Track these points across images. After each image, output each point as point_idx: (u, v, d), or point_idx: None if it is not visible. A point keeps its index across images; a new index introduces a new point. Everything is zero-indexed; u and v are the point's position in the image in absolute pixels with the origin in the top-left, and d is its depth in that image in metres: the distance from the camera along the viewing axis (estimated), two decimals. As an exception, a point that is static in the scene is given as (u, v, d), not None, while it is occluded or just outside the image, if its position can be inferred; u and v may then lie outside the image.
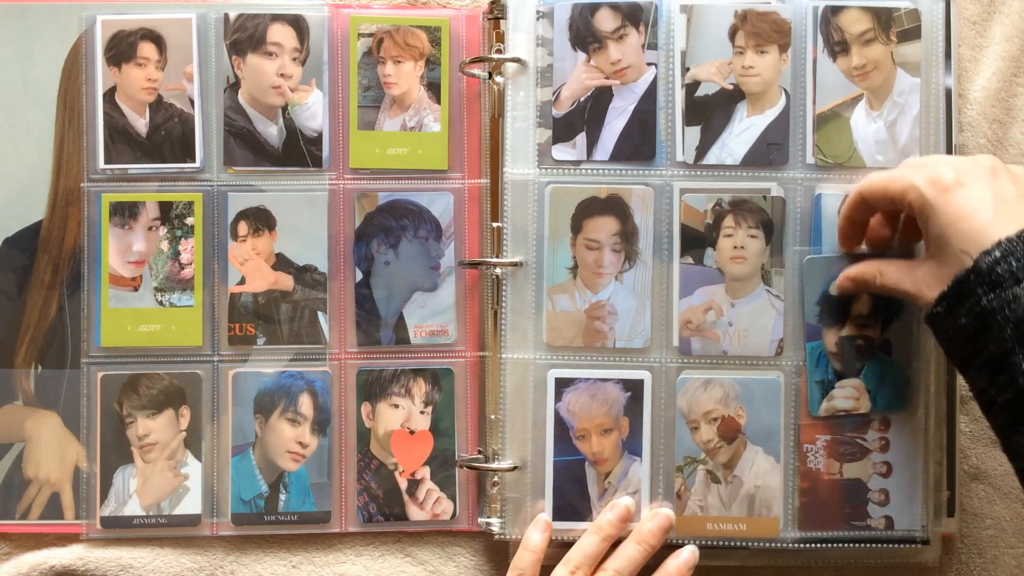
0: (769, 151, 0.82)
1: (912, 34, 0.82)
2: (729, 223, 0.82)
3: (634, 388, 0.82)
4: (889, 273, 0.74)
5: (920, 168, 0.71)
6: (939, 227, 0.68)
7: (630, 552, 0.78)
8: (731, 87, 0.82)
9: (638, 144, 0.82)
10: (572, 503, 0.81)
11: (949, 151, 0.82)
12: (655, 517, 0.80)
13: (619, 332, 0.82)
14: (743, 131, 0.82)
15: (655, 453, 0.82)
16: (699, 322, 0.82)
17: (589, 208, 0.82)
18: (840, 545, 0.81)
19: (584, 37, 0.82)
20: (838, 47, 0.82)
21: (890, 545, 0.81)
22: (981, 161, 0.69)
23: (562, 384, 0.82)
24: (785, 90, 0.82)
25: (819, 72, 0.82)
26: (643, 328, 0.82)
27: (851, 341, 0.81)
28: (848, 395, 0.81)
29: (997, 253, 0.64)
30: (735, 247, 0.81)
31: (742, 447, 0.81)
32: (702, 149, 0.82)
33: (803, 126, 0.82)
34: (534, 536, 0.79)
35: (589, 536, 0.79)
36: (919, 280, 0.71)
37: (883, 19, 0.82)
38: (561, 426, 0.82)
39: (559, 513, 0.81)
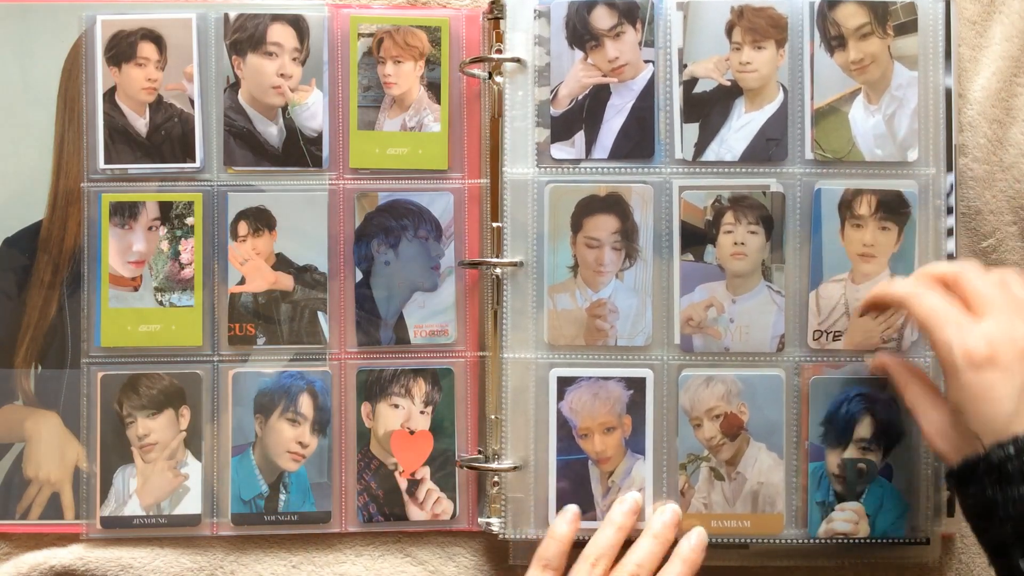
0: (768, 147, 0.82)
1: (909, 28, 0.82)
2: (729, 219, 0.82)
3: (636, 386, 0.82)
4: (914, 393, 0.75)
5: (960, 324, 0.68)
6: (961, 399, 0.67)
7: (647, 546, 0.78)
8: (729, 83, 0.82)
9: (637, 142, 0.82)
10: (576, 502, 0.81)
11: (949, 151, 0.82)
12: (663, 512, 0.80)
13: (620, 330, 0.82)
14: (741, 127, 0.82)
15: (658, 451, 0.82)
16: (700, 319, 0.82)
17: (589, 207, 0.82)
18: (841, 543, 0.81)
19: (581, 35, 0.82)
20: (835, 41, 0.82)
21: (891, 544, 0.81)
22: (1018, 340, 0.67)
23: (564, 383, 0.82)
24: (783, 85, 0.82)
25: (816, 67, 0.82)
26: (644, 326, 0.82)
27: (853, 464, 0.81)
28: (847, 518, 0.81)
29: (1011, 449, 0.64)
30: (735, 243, 0.81)
31: (745, 444, 0.81)
32: (701, 146, 0.82)
33: (801, 121, 0.82)
34: (561, 527, 0.79)
35: (604, 530, 0.79)
36: (933, 422, 0.72)
37: (879, 13, 0.82)
38: (563, 425, 0.82)
39: None
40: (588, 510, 0.81)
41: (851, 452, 0.81)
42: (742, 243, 0.82)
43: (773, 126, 0.82)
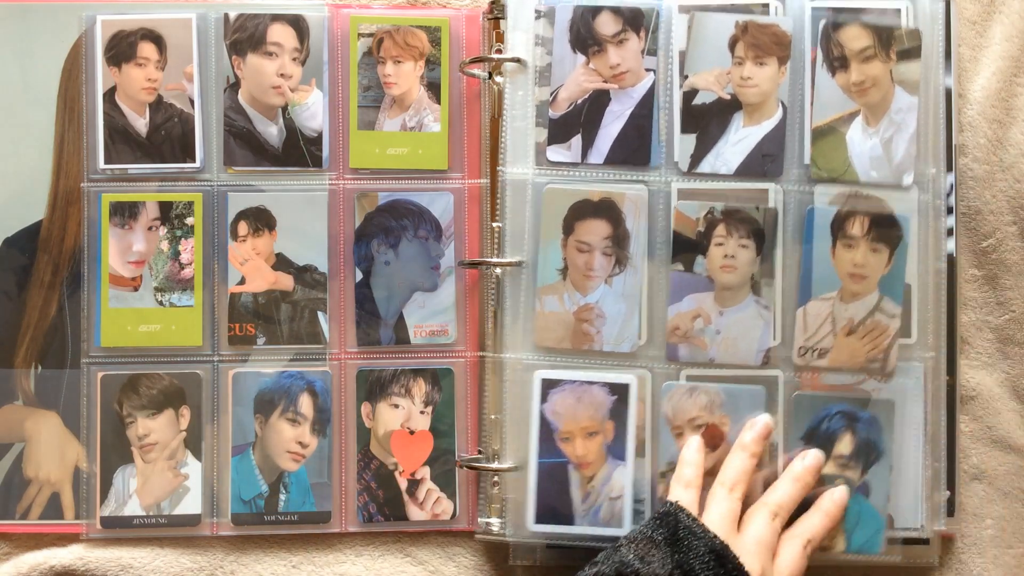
0: (764, 162, 0.82)
1: (912, 53, 0.81)
2: (721, 232, 0.81)
3: (620, 392, 0.81)
4: None
5: None
6: None
7: (787, 488, 0.78)
8: (728, 97, 0.82)
9: (633, 149, 0.82)
10: (554, 506, 0.81)
11: (949, 151, 0.82)
12: (806, 457, 0.80)
13: (607, 336, 0.81)
14: (738, 141, 0.82)
15: (639, 458, 0.81)
16: (687, 329, 0.81)
17: (581, 210, 0.81)
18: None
19: (584, 39, 0.82)
20: (837, 62, 0.82)
21: (890, 544, 0.81)
22: None
23: (548, 385, 0.81)
24: (782, 102, 0.82)
25: (817, 86, 0.82)
26: (631, 333, 0.82)
27: (831, 480, 0.80)
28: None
29: None
30: (726, 256, 0.81)
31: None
32: (697, 157, 0.82)
33: (798, 139, 0.82)
34: (692, 454, 0.79)
35: (737, 454, 0.78)
36: None
37: (884, 37, 0.81)
38: (546, 427, 0.81)
39: (541, 516, 0.81)
40: (566, 516, 0.81)
41: (830, 468, 0.80)
42: (732, 256, 0.81)
43: (770, 142, 0.82)
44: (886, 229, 0.81)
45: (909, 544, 0.81)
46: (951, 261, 0.83)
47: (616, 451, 0.81)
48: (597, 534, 0.81)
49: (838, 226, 0.81)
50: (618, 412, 0.81)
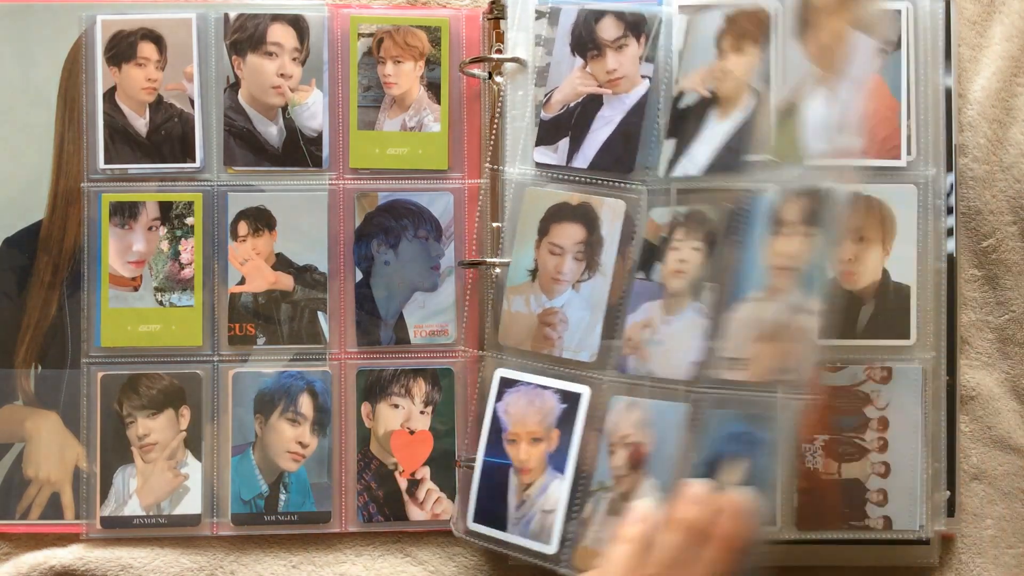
0: (729, 158, 0.75)
1: None
2: (679, 236, 0.77)
3: (571, 401, 0.79)
4: None
5: None
6: None
7: (670, 541, 0.66)
8: (709, 94, 0.78)
9: (618, 156, 0.80)
10: (491, 508, 0.79)
11: (949, 151, 0.82)
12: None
13: (567, 342, 0.79)
14: (709, 139, 0.77)
15: (578, 473, 0.78)
16: (637, 340, 0.78)
17: (558, 213, 0.80)
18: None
19: (585, 43, 0.81)
20: (804, 24, 0.72)
21: (891, 543, 0.81)
22: None
23: (505, 384, 0.80)
24: (754, 89, 0.75)
25: (786, 59, 0.73)
26: (591, 342, 0.79)
27: None
28: None
29: None
30: (679, 260, 0.76)
31: (643, 478, 0.75)
32: (673, 161, 0.78)
33: (763, 128, 0.74)
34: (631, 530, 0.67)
35: (618, 547, 0.68)
36: None
37: None
38: (496, 426, 0.80)
39: (479, 516, 0.80)
40: (500, 520, 0.79)
41: None
42: (684, 260, 0.76)
43: (737, 135, 0.75)
44: (818, 207, 0.68)
45: (909, 544, 0.81)
46: (951, 261, 0.83)
47: (557, 462, 0.78)
48: (525, 546, 0.78)
49: (775, 214, 0.71)
50: (566, 421, 0.79)
